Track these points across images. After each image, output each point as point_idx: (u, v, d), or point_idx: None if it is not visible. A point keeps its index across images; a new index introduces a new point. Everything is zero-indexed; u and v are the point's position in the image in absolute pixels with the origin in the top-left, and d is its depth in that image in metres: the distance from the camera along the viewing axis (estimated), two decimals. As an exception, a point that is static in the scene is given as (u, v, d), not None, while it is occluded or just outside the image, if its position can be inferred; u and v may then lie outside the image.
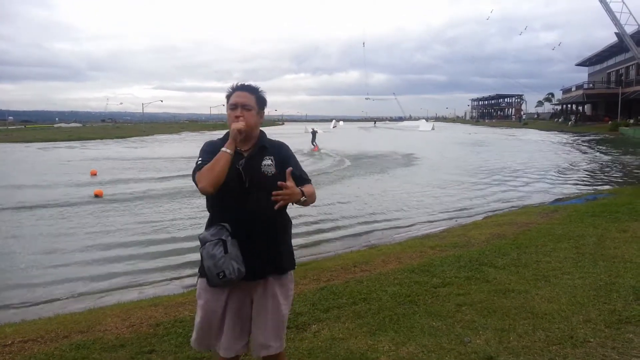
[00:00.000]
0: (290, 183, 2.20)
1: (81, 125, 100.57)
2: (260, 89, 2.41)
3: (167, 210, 11.80)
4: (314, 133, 30.46)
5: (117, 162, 24.72)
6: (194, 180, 2.26)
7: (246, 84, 2.40)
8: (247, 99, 2.33)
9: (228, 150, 2.18)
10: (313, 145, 29.28)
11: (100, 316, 4.44)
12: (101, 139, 49.21)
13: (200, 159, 2.27)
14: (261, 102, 2.40)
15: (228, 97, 2.38)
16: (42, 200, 13.03)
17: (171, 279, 6.82)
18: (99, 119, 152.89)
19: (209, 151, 2.29)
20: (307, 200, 2.30)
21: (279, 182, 2.18)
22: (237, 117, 2.29)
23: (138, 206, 12.33)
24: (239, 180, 2.26)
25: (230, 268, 2.17)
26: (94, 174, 18.85)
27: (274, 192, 2.16)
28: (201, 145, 2.41)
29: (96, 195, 13.94)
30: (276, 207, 2.18)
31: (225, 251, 2.18)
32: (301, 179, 2.35)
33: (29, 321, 4.80)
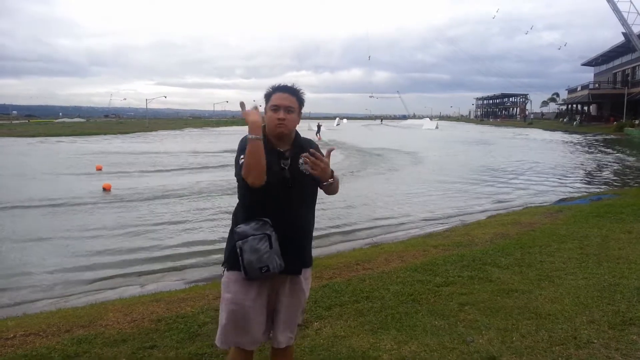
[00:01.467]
0: (327, 158, 2.27)
1: (85, 120, 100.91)
2: (300, 90, 2.42)
3: (171, 204, 11.81)
4: (319, 126, 41.73)
5: (121, 156, 24.75)
6: (239, 177, 2.27)
7: (288, 85, 2.40)
8: (290, 102, 2.34)
9: (258, 137, 2.16)
10: (317, 136, 38.00)
11: (102, 311, 4.44)
12: (104, 134, 49.29)
13: (242, 156, 2.26)
14: (301, 103, 2.42)
15: (267, 96, 2.38)
16: (45, 195, 13.07)
17: (170, 269, 6.82)
18: (102, 114, 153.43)
19: (242, 147, 2.30)
20: (333, 184, 2.38)
21: (310, 150, 2.26)
22: (280, 119, 2.29)
23: (142, 200, 12.34)
24: (283, 179, 2.29)
25: (274, 262, 2.22)
26: (99, 169, 18.88)
27: (308, 152, 2.24)
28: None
29: (104, 189, 13.97)
30: (307, 169, 2.26)
31: (270, 246, 2.22)
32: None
33: (31, 315, 4.81)
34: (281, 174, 2.30)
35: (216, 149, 30.44)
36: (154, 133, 54.24)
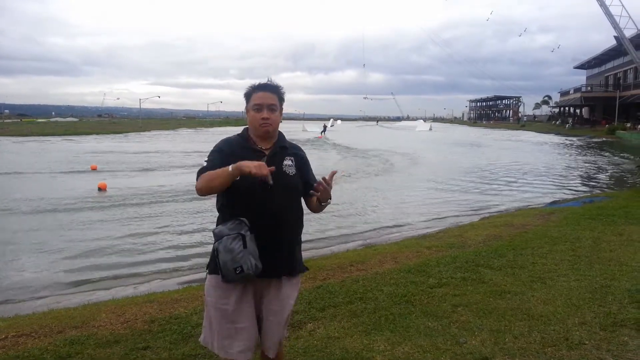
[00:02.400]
0: (330, 180, 2.29)
1: (77, 120, 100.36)
2: (281, 87, 2.39)
3: (164, 205, 11.76)
4: (325, 127, 47.75)
5: (115, 155, 24.63)
6: (197, 176, 2.24)
7: (268, 82, 2.36)
8: (272, 100, 2.32)
9: (231, 170, 2.09)
10: (320, 134, 41.50)
11: (94, 312, 4.42)
12: (97, 134, 49.04)
13: (207, 158, 2.25)
14: (282, 100, 2.39)
15: (248, 95, 2.35)
16: (38, 195, 12.98)
17: (163, 270, 6.80)
18: (96, 114, 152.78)
19: (220, 151, 2.29)
20: (326, 204, 2.40)
21: (322, 178, 2.27)
22: (264, 119, 2.27)
23: (137, 200, 12.29)
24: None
25: (248, 263, 2.14)
26: (94, 169, 18.79)
27: (318, 182, 2.27)
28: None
29: (100, 189, 13.91)
30: (315, 197, 2.31)
31: (244, 246, 2.14)
32: (310, 186, 2.36)
33: (23, 316, 4.77)
34: None
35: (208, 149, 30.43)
36: (147, 133, 54.03)
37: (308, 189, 2.35)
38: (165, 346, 3.54)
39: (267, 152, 2.32)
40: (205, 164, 2.25)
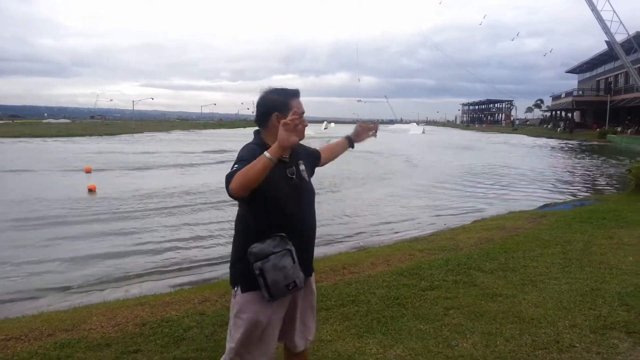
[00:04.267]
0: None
1: (70, 121, 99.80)
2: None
3: (157, 207, 11.72)
4: (326, 127, 53.17)
5: (107, 156, 24.51)
6: (226, 184, 2.06)
7: (298, 89, 2.32)
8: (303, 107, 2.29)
9: (272, 157, 1.97)
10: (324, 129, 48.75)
11: (85, 315, 4.39)
12: (90, 135, 48.78)
13: (236, 165, 2.10)
14: None
15: (283, 105, 2.23)
16: (30, 195, 12.89)
17: (155, 272, 6.77)
18: (88, 115, 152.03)
19: (247, 159, 2.08)
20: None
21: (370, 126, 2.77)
22: (303, 125, 2.12)
23: (127, 202, 12.24)
24: (294, 190, 2.25)
25: (300, 276, 2.18)
26: (88, 171, 18.70)
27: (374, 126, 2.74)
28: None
29: (90, 190, 13.83)
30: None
31: (293, 261, 2.16)
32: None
33: (13, 319, 4.72)
34: (291, 182, 2.24)
35: (200, 149, 30.44)
36: (140, 135, 53.79)
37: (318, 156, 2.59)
38: (157, 349, 3.52)
39: (287, 160, 2.27)
40: (234, 168, 2.10)
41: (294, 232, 2.21)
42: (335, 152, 2.75)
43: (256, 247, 2.13)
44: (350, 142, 2.80)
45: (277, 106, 2.23)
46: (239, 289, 2.24)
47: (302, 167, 2.34)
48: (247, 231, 2.23)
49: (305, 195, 2.31)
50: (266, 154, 1.97)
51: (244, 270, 2.19)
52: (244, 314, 2.22)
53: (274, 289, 2.12)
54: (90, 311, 4.54)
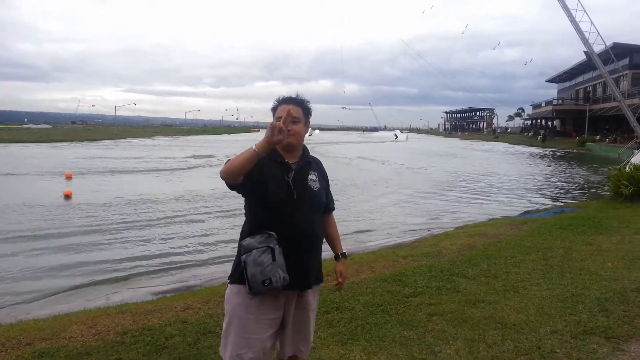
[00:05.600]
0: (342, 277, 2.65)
1: (51, 126, 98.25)
2: (306, 101, 2.43)
3: (138, 213, 11.59)
4: (311, 133, 47.27)
5: (87, 162, 24.17)
6: (244, 193, 2.32)
7: (293, 96, 2.41)
8: (296, 112, 2.33)
9: (257, 150, 2.08)
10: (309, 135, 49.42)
11: (65, 323, 4.30)
12: (71, 141, 48.09)
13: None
14: (308, 113, 2.43)
15: (274, 109, 2.39)
16: (7, 201, 12.64)
17: (136, 279, 6.68)
18: (69, 121, 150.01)
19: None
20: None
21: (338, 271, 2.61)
22: (286, 125, 2.19)
23: (107, 209, 12.07)
24: (288, 192, 2.28)
25: (277, 275, 2.19)
26: (68, 177, 18.43)
27: (339, 284, 2.64)
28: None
29: (66, 196, 13.63)
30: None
31: (273, 259, 2.19)
32: (327, 208, 2.54)
33: (-11, 328, 4.61)
34: (285, 186, 2.29)
35: (183, 155, 30.20)
36: (122, 140, 53.22)
37: (326, 212, 2.54)
38: (138, 358, 3.47)
39: (293, 166, 2.35)
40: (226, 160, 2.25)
41: (285, 235, 2.26)
42: (328, 238, 2.65)
43: (246, 241, 2.26)
44: (336, 258, 2.70)
45: (272, 110, 2.43)
46: (229, 281, 2.38)
47: (312, 176, 2.40)
48: (244, 226, 2.39)
49: (306, 202, 2.33)
50: (253, 146, 2.09)
51: (237, 264, 2.32)
52: (229, 304, 2.35)
53: (252, 283, 2.20)
54: (70, 319, 4.46)
